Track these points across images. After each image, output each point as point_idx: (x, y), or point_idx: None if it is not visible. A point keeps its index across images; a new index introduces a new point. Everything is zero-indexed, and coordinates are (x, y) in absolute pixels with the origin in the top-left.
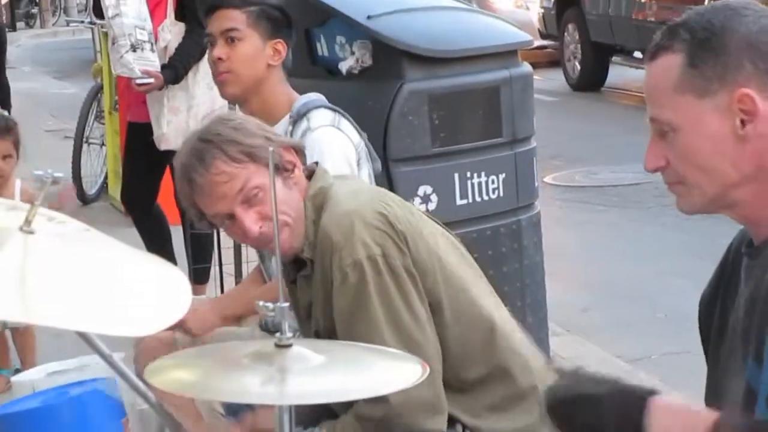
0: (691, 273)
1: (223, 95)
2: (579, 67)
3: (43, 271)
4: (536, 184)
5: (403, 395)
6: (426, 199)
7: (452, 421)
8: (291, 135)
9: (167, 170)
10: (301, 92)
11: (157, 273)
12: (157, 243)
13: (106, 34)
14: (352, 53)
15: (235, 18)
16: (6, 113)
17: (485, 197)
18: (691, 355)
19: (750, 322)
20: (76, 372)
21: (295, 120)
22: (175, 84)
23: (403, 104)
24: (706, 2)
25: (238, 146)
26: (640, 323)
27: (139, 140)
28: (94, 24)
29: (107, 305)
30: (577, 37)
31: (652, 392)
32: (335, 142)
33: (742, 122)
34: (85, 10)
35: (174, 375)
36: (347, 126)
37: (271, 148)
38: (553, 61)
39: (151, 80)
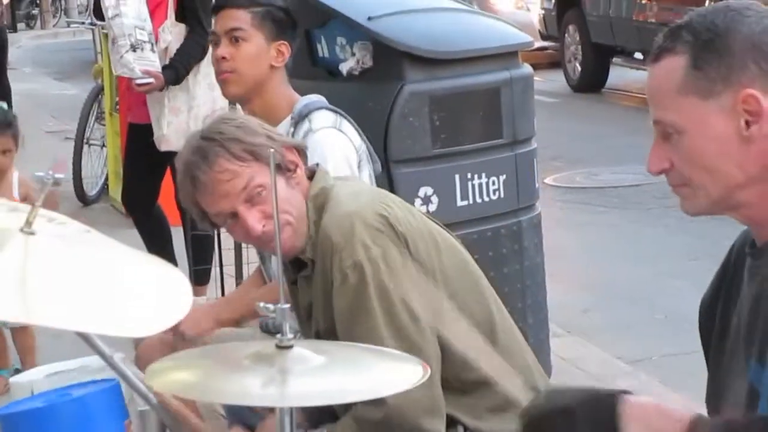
0: (690, 274)
1: (225, 95)
2: (579, 69)
3: (43, 272)
4: (537, 185)
5: (402, 397)
6: (426, 200)
7: (453, 422)
8: (293, 136)
9: (168, 171)
10: (302, 93)
11: (157, 274)
12: (158, 244)
13: (106, 36)
14: (353, 54)
15: (240, 18)
16: (5, 105)
17: (486, 198)
18: (691, 357)
19: (754, 322)
20: (76, 373)
21: (297, 121)
22: (175, 85)
23: (403, 105)
24: (707, 3)
25: (241, 145)
26: (641, 324)
27: (139, 141)
28: (95, 25)
29: (108, 306)
30: (578, 38)
31: (622, 395)
32: (337, 144)
33: (747, 123)
34: (86, 11)
35: (174, 376)
36: (348, 128)
37: (271, 149)
38: (554, 62)
39: (152, 80)
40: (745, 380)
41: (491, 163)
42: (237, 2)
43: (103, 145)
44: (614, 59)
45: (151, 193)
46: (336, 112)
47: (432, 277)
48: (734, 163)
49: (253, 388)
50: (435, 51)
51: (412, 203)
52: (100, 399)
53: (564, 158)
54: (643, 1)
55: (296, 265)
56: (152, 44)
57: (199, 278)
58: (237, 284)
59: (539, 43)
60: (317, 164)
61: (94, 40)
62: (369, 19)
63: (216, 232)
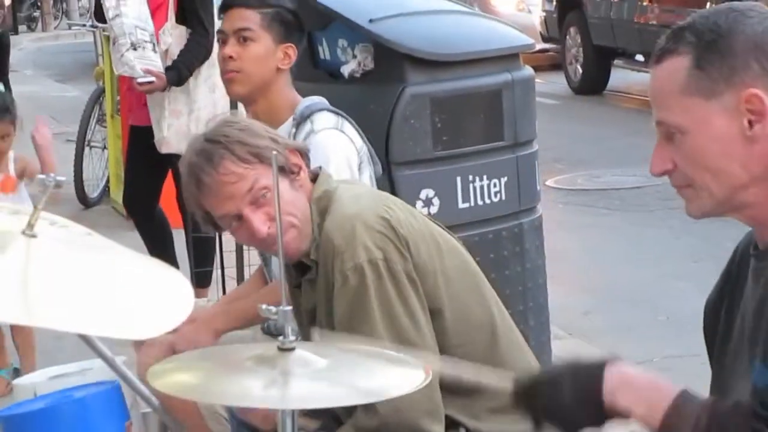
0: (692, 276)
1: (230, 94)
2: (581, 71)
3: (45, 275)
4: (538, 187)
5: (402, 401)
6: (428, 202)
7: (454, 423)
8: (294, 137)
9: (169, 174)
10: (304, 96)
11: (158, 276)
12: (159, 246)
13: (107, 38)
14: (354, 57)
15: (249, 18)
16: (1, 87)
17: (487, 200)
18: (694, 359)
19: (758, 324)
20: (78, 376)
21: (299, 122)
22: (178, 86)
23: (405, 108)
24: (708, 5)
25: (245, 147)
26: (642, 326)
27: (140, 144)
28: (96, 27)
29: (109, 308)
30: (579, 40)
31: (610, 363)
32: (338, 145)
33: (750, 123)
34: (87, 13)
35: (176, 378)
36: (350, 129)
37: (274, 151)
38: (555, 64)
39: (153, 79)
40: (748, 381)
41: (492, 165)
42: (247, 2)
43: (105, 148)
44: (615, 61)
45: (152, 195)
46: (337, 113)
47: (433, 278)
48: (738, 163)
49: (254, 390)
50: (436, 53)
51: (414, 205)
52: (100, 400)
53: (565, 160)
54: (645, 3)
55: (300, 269)
56: (154, 44)
57: (200, 280)
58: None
59: (540, 45)
60: (320, 167)
61: (95, 42)
62: (370, 21)
63: (217, 235)
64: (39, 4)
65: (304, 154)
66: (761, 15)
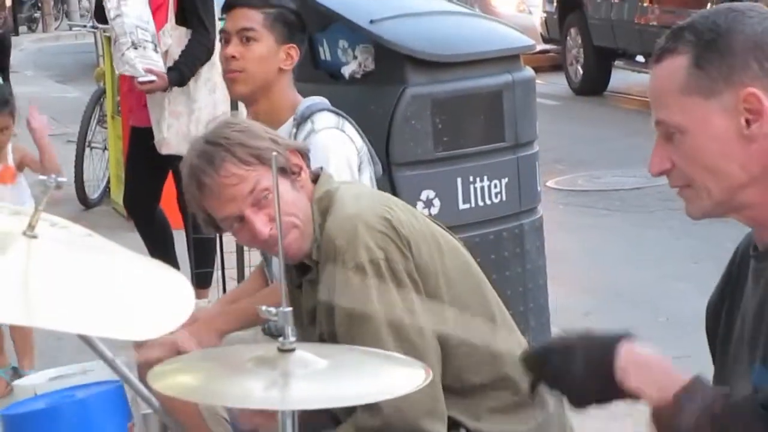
0: (692, 277)
1: (232, 93)
2: (581, 71)
3: (46, 276)
4: (539, 188)
5: (403, 399)
6: (429, 203)
7: (455, 424)
8: (295, 137)
9: (170, 174)
10: (304, 96)
11: (159, 277)
12: (160, 247)
13: (108, 39)
14: (355, 57)
15: (252, 18)
16: (1, 81)
17: (488, 201)
18: (693, 359)
19: (758, 325)
20: (79, 377)
21: (299, 122)
22: (180, 86)
23: (405, 108)
24: (708, 5)
25: (246, 149)
26: (643, 327)
27: (140, 144)
28: (97, 28)
29: (110, 309)
30: (580, 41)
31: (626, 339)
32: (338, 145)
33: (747, 122)
34: (88, 14)
35: (177, 379)
36: (350, 129)
37: (274, 152)
38: (556, 65)
39: (155, 78)
40: (748, 383)
41: (493, 166)
42: (250, 2)
43: (105, 148)
44: (616, 62)
45: (152, 196)
46: (338, 113)
47: (434, 279)
48: (737, 163)
49: (255, 391)
50: (437, 54)
51: (414, 206)
52: (102, 401)
53: (566, 161)
54: (645, 4)
55: (301, 269)
56: (155, 45)
57: (201, 281)
58: None
59: (541, 46)
60: (321, 168)
61: (96, 43)
62: (371, 22)
63: (218, 236)
64: (39, 5)
65: (304, 154)
66: (761, 15)
